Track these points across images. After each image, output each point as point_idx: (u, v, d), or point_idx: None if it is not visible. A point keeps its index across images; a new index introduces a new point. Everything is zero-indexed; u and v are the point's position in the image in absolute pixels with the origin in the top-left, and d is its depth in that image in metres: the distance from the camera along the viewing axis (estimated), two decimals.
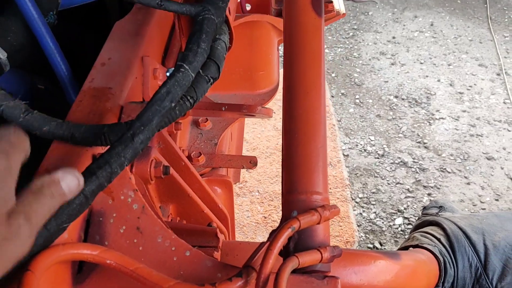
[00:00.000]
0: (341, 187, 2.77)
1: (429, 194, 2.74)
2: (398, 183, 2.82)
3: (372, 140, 3.09)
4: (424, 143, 3.08)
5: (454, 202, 2.64)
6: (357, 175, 2.87)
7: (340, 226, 2.60)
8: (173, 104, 0.69)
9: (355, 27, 4.19)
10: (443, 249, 1.26)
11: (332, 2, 1.55)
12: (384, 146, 3.05)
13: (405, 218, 2.64)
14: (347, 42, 4.02)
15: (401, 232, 2.58)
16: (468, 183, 2.81)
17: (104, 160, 0.63)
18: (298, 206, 0.71)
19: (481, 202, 2.70)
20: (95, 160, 0.65)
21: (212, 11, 0.79)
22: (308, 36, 0.81)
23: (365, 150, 3.03)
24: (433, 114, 3.29)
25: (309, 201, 0.71)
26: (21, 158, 0.52)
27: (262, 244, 0.66)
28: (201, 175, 1.23)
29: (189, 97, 0.74)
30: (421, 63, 3.76)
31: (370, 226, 2.62)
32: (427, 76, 3.62)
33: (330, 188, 2.75)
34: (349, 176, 2.84)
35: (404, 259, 1.00)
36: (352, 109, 3.35)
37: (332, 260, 0.66)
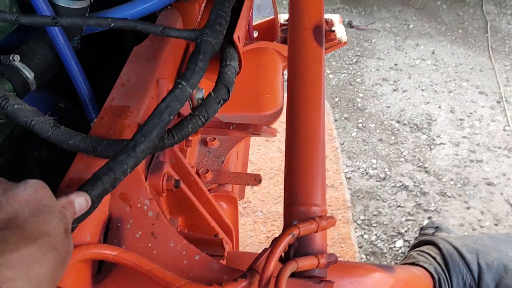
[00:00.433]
0: (343, 209, 2.82)
1: (429, 218, 2.79)
2: (399, 206, 2.87)
3: (374, 164, 3.15)
4: (425, 167, 3.14)
5: (454, 226, 2.68)
6: (359, 197, 2.93)
7: (342, 247, 2.64)
8: (171, 117, 0.77)
9: (359, 53, 4.31)
10: (438, 268, 1.31)
11: (334, 31, 1.65)
12: (386, 169, 3.11)
13: (406, 240, 2.68)
14: (351, 68, 4.13)
15: (402, 254, 2.62)
16: (468, 208, 2.86)
17: (109, 167, 0.70)
18: (298, 216, 0.78)
19: (481, 226, 2.74)
20: (101, 167, 0.73)
21: (209, 34, 0.87)
22: (309, 63, 0.89)
23: (367, 173, 3.09)
24: (434, 140, 3.36)
25: (309, 212, 0.78)
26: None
27: (265, 249, 0.73)
28: (208, 190, 1.30)
29: (201, 116, 0.82)
30: (423, 90, 3.85)
31: (371, 248, 2.66)
32: (428, 103, 3.71)
33: (332, 210, 2.80)
34: (351, 198, 2.90)
35: (399, 273, 1.06)
36: (354, 133, 3.42)
37: (328, 266, 0.73)
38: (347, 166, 3.14)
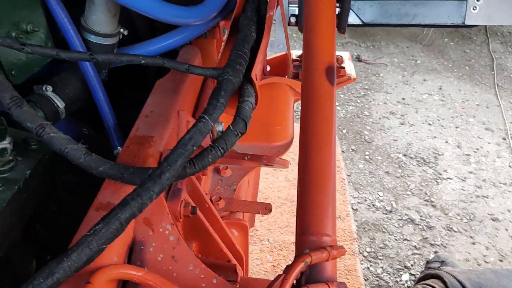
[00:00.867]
0: (349, 241, 2.84)
1: (435, 252, 2.80)
2: (405, 239, 2.89)
3: (380, 196, 3.18)
4: (432, 201, 3.16)
5: (460, 261, 2.69)
6: (365, 229, 2.95)
7: (347, 279, 2.65)
8: (194, 148, 0.83)
9: (367, 87, 4.40)
10: None
11: (344, 68, 1.73)
12: (392, 202, 3.14)
13: (412, 274, 2.69)
14: (359, 101, 4.21)
15: None
16: (474, 243, 2.87)
17: (137, 193, 0.76)
18: (310, 245, 0.83)
19: (486, 262, 2.75)
20: (129, 193, 0.78)
21: (230, 73, 0.95)
22: (322, 102, 0.96)
23: (373, 205, 3.12)
24: (440, 174, 3.40)
25: (320, 242, 0.83)
26: None
27: (278, 276, 0.78)
28: (220, 217, 1.34)
29: (220, 148, 0.89)
30: (430, 124, 3.91)
31: (377, 280, 2.67)
32: (435, 137, 3.76)
33: (339, 241, 2.82)
34: (357, 230, 2.92)
35: None
36: (361, 165, 3.47)
37: None
38: (354, 198, 3.18)
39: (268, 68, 1.83)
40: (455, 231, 2.95)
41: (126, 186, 0.87)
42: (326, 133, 0.92)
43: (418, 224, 2.99)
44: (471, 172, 3.43)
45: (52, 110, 1.09)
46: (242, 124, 0.92)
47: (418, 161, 3.52)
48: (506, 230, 2.96)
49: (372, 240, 2.88)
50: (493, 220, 3.04)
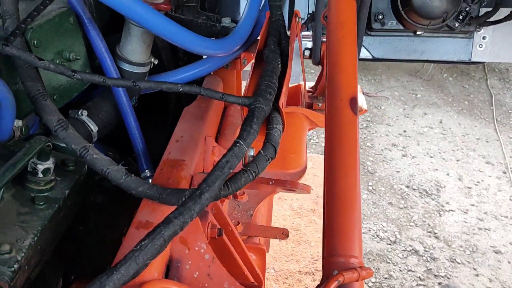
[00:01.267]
0: None
1: (439, 283, 2.81)
2: (409, 270, 2.90)
3: (384, 227, 3.21)
4: (435, 233, 3.19)
5: None
6: (370, 259, 2.96)
7: None
8: (230, 171, 0.88)
9: (369, 119, 4.49)
10: None
11: None
12: (396, 233, 3.17)
13: None
14: (361, 133, 4.29)
15: None
16: (477, 275, 2.89)
17: (179, 212, 0.81)
18: (338, 266, 0.87)
19: None
20: (172, 212, 0.83)
21: (261, 101, 1.01)
22: (346, 130, 1.02)
23: (377, 235, 3.15)
24: (443, 206, 3.44)
25: (347, 263, 0.87)
26: None
27: None
28: None
29: (252, 172, 0.94)
30: (431, 157, 3.97)
31: None
32: (436, 169, 3.82)
33: None
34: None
35: None
36: (365, 195, 3.51)
37: None
38: None
39: None
40: (459, 263, 2.97)
41: (163, 206, 0.92)
42: (351, 159, 0.97)
43: (422, 255, 3.01)
44: (473, 205, 3.47)
45: (86, 134, 1.14)
46: (272, 149, 0.97)
47: (420, 192, 3.56)
48: (509, 262, 2.98)
49: (376, 271, 2.89)
50: (495, 252, 3.07)
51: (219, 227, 1.08)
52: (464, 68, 5.43)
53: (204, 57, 1.49)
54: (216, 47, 1.25)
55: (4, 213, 0.88)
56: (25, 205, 0.92)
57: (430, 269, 2.91)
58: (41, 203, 0.92)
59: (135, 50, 1.17)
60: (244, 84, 1.82)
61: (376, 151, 4.03)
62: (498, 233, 3.23)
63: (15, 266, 0.81)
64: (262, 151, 0.96)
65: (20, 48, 0.87)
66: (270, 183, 1.26)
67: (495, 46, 1.75)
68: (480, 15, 1.67)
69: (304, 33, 1.78)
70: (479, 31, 1.74)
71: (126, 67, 1.19)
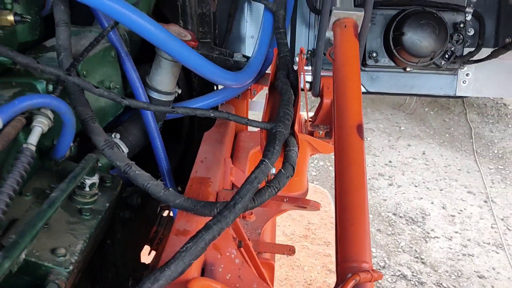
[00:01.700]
0: None
1: None
2: None
3: (373, 252, 3.34)
4: (422, 258, 3.33)
5: None
6: None
7: None
8: (258, 185, 1.01)
9: None
10: None
11: None
12: (385, 258, 3.30)
13: None
14: None
15: None
16: None
17: (217, 219, 0.93)
18: (352, 270, 1.00)
19: None
20: (210, 219, 0.95)
21: (281, 126, 1.15)
22: (354, 153, 1.16)
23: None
24: (428, 233, 3.59)
25: (360, 267, 1.00)
26: None
27: None
28: None
29: (275, 187, 1.07)
30: (416, 186, 4.15)
31: None
32: (421, 198, 3.99)
33: None
34: None
35: None
36: None
37: None
38: None
39: None
40: (445, 287, 3.10)
41: (196, 217, 1.03)
42: (360, 178, 1.12)
43: (410, 280, 3.13)
44: (456, 232, 3.63)
45: None
46: (291, 168, 1.11)
47: (407, 220, 3.71)
48: (493, 286, 3.12)
49: None
50: (479, 277, 3.21)
51: (239, 240, 1.20)
52: (444, 103, 5.71)
53: (216, 88, 1.64)
54: (233, 79, 1.39)
55: (55, 223, 0.98)
56: (73, 216, 1.02)
57: None
58: (87, 214, 1.03)
59: (164, 81, 1.31)
60: (250, 113, 1.97)
61: None
62: (481, 259, 3.39)
63: (70, 267, 0.91)
64: (282, 170, 1.10)
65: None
66: (285, 200, 1.39)
67: (477, 82, 1.95)
68: (464, 54, 1.86)
69: (305, 67, 1.95)
70: (463, 69, 1.94)
71: (155, 95, 1.32)
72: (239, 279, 0.97)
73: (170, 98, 1.35)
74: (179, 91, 1.40)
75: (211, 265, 0.98)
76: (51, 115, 0.90)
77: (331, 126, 1.91)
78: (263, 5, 1.69)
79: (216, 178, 1.21)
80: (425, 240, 3.51)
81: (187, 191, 1.13)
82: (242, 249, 1.19)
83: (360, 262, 1.01)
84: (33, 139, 0.86)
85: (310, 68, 1.94)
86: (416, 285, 3.09)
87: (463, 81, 1.95)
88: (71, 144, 1.05)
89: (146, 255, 1.64)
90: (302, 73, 1.68)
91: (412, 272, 3.19)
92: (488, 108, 5.56)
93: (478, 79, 1.92)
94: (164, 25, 1.20)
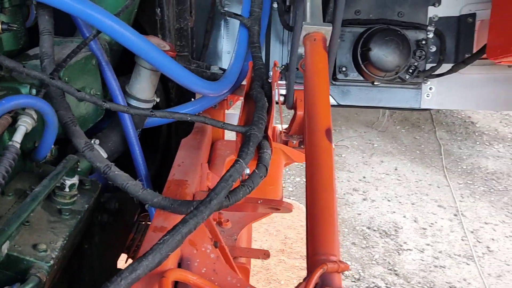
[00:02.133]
0: None
1: None
2: None
3: (348, 264, 3.40)
4: (395, 270, 3.41)
5: None
6: None
7: None
8: (233, 183, 1.07)
9: None
10: None
11: None
12: (360, 271, 3.36)
13: None
14: None
15: None
16: None
17: (193, 214, 0.98)
18: (321, 262, 1.06)
19: None
20: (187, 214, 1.00)
21: (256, 129, 1.22)
22: (323, 156, 1.24)
23: (342, 273, 3.32)
24: (401, 245, 3.68)
25: (329, 259, 1.06)
26: None
27: (300, 283, 0.99)
28: None
29: (249, 186, 1.13)
30: (389, 201, 4.26)
31: None
32: (394, 212, 4.10)
33: None
34: None
35: None
36: None
37: None
38: None
39: None
40: None
41: (174, 215, 1.08)
42: (329, 178, 1.19)
43: None
44: (428, 244, 3.73)
45: None
46: (264, 169, 1.17)
47: (380, 233, 3.80)
48: None
49: None
50: None
51: (215, 241, 1.25)
52: (415, 121, 5.91)
53: (193, 99, 1.71)
54: (211, 88, 1.46)
55: (36, 221, 1.02)
56: (53, 215, 1.06)
57: None
58: (67, 214, 1.07)
59: (143, 89, 1.37)
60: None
61: (338, 195, 4.28)
62: (453, 270, 3.49)
63: (51, 262, 0.94)
64: (256, 170, 1.16)
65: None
66: (259, 201, 1.44)
67: (440, 96, 2.07)
68: (426, 69, 1.99)
69: (279, 82, 2.04)
70: (426, 83, 2.06)
71: (134, 103, 1.37)
72: (214, 272, 1.02)
73: (149, 105, 1.41)
74: (157, 100, 1.46)
75: (187, 260, 1.03)
76: (35, 116, 0.94)
77: (304, 136, 1.99)
78: (238, 22, 1.78)
79: (193, 181, 1.26)
80: (398, 252, 3.60)
81: (165, 192, 1.18)
82: (217, 250, 1.24)
83: (329, 255, 1.07)
84: (18, 137, 0.90)
85: (284, 82, 2.03)
86: None
87: (426, 95, 2.07)
88: (52, 146, 1.10)
89: (124, 264, 1.66)
90: (276, 84, 1.76)
91: (386, 284, 3.26)
92: (456, 126, 5.78)
93: (440, 93, 2.05)
94: (144, 36, 1.27)
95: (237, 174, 1.08)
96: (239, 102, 1.87)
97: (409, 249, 3.65)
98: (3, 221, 0.90)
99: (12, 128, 0.95)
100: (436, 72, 1.98)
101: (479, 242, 3.82)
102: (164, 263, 0.94)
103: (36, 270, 0.91)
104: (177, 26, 1.70)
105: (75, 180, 1.09)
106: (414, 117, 5.87)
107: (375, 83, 2.10)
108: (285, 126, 2.18)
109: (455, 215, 4.16)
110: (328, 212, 1.15)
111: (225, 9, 1.92)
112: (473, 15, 2.02)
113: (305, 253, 3.11)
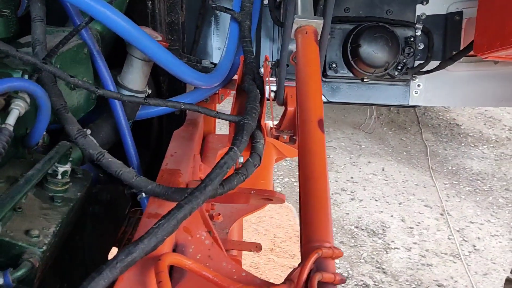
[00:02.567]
0: None
1: None
2: None
3: (337, 263, 3.41)
4: (383, 268, 3.43)
5: None
6: None
7: None
8: (227, 170, 1.07)
9: None
10: None
11: None
12: (348, 269, 3.38)
13: None
14: None
15: None
16: None
17: (188, 199, 0.98)
18: (315, 249, 1.07)
19: None
20: (182, 199, 0.99)
21: (249, 119, 1.23)
22: (316, 145, 1.24)
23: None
24: (389, 244, 3.71)
25: (322, 246, 1.07)
26: None
27: (295, 268, 1.00)
28: None
29: (243, 174, 1.13)
30: (376, 200, 4.30)
31: None
32: (381, 212, 4.13)
33: None
34: None
35: None
36: None
37: (341, 283, 1.00)
38: None
39: None
40: None
41: (168, 203, 1.08)
42: (321, 167, 1.20)
43: None
44: (415, 243, 3.77)
45: None
46: (258, 158, 1.18)
47: (368, 232, 3.83)
48: None
49: None
50: (438, 286, 3.33)
51: (208, 230, 1.25)
52: (401, 123, 5.97)
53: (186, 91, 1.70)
54: (202, 80, 1.46)
55: (28, 207, 1.00)
56: (45, 202, 1.05)
57: None
58: (59, 201, 1.06)
59: (135, 80, 1.36)
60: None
61: None
62: (440, 268, 3.52)
63: (44, 247, 0.93)
64: (250, 159, 1.17)
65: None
66: (252, 192, 1.44)
67: (428, 93, 2.10)
68: (414, 66, 2.02)
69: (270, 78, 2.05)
70: (414, 80, 2.09)
71: (126, 93, 1.37)
72: (209, 258, 1.01)
73: (141, 96, 1.40)
74: (149, 91, 1.45)
75: (182, 246, 1.02)
76: (28, 99, 0.93)
77: (295, 131, 2.00)
78: (229, 18, 1.78)
79: (186, 171, 1.26)
80: (386, 251, 3.62)
81: (158, 181, 1.17)
82: (211, 237, 1.24)
83: (323, 241, 1.08)
84: (11, 120, 0.89)
85: (274, 79, 2.04)
86: None
87: (415, 92, 2.10)
88: (45, 133, 1.08)
89: None
90: (267, 78, 1.77)
91: (374, 282, 3.28)
92: (442, 128, 5.85)
93: (428, 90, 2.08)
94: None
95: (231, 162, 1.08)
96: (229, 99, 1.88)
97: (397, 248, 3.68)
98: None
99: (4, 113, 0.94)
100: (424, 69, 2.01)
101: (465, 240, 3.87)
102: (159, 249, 0.94)
103: (28, 255, 0.90)
104: (168, 20, 1.70)
105: (67, 167, 1.08)
106: (400, 119, 5.94)
107: (364, 80, 2.12)
108: (276, 122, 2.19)
109: (441, 214, 4.21)
110: (321, 200, 1.16)
111: (216, 3, 1.93)
112: (460, 13, 2.06)
113: (294, 252, 3.17)
